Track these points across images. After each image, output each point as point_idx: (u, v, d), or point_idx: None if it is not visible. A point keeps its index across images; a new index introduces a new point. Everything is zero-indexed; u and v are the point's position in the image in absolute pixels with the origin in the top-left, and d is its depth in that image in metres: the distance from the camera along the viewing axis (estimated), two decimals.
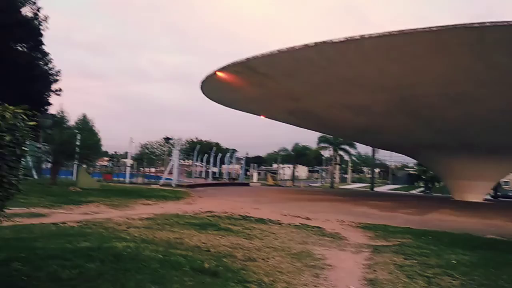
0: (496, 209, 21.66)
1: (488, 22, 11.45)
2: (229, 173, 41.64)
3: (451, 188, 30.94)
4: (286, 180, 61.16)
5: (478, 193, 28.53)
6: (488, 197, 38.17)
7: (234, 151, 51.27)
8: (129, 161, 31.22)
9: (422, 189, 59.99)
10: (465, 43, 12.59)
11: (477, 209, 20.45)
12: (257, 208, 14.78)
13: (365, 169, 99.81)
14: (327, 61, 15.13)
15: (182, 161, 41.29)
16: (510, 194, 53.28)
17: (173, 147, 28.73)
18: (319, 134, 50.10)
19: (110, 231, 7.78)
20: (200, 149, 38.15)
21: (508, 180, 69.14)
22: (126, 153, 33.02)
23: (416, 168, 64.91)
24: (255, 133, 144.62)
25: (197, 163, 42.01)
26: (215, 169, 42.95)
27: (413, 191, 57.28)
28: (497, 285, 5.56)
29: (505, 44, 12.21)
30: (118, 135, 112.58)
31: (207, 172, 41.99)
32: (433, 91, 16.71)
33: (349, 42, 13.39)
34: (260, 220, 11.25)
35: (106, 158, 55.41)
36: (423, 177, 59.37)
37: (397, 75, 15.72)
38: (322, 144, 54.61)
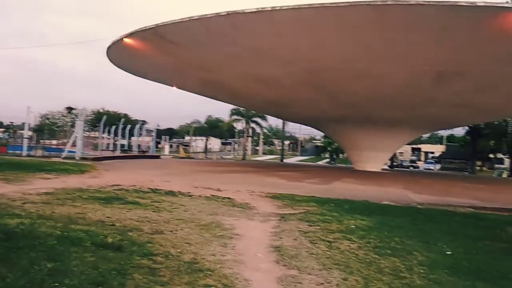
0: (391, 178, 23.60)
1: (390, 1, 12.08)
2: (138, 146, 40.27)
3: (353, 158, 33.04)
4: (198, 152, 60.89)
5: (377, 163, 30.81)
6: (386, 167, 41.53)
7: (144, 122, 49.64)
8: (26, 132, 28.68)
9: (327, 160, 63.57)
10: (367, 19, 13.19)
11: (375, 178, 22.10)
12: (168, 180, 14.49)
13: (276, 141, 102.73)
14: (239, 32, 15.01)
15: (87, 133, 39.08)
16: (404, 164, 58.63)
17: (77, 117, 26.92)
18: (232, 106, 50.27)
19: (3, 208, 7.10)
20: (107, 120, 36.22)
21: (403, 151, 75.73)
22: (24, 123, 30.34)
23: (323, 140, 68.37)
24: (166, 104, 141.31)
25: (104, 135, 40.01)
26: (124, 142, 41.28)
27: (320, 162, 60.39)
28: (390, 247, 6.04)
29: (403, 21, 13.03)
30: (16, 106, 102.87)
31: (115, 145, 40.20)
32: (338, 66, 17.43)
33: (260, 13, 13.36)
34: (170, 193, 11.04)
35: (1, 129, 50.59)
36: (329, 148, 62.86)
37: (305, 49, 16.10)
38: (235, 117, 54.90)
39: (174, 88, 28.56)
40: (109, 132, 39.84)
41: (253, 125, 57.88)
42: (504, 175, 46.37)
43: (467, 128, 45.67)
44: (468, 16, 12.39)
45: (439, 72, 16.92)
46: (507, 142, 44.05)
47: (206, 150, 59.79)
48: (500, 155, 54.83)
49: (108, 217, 7.00)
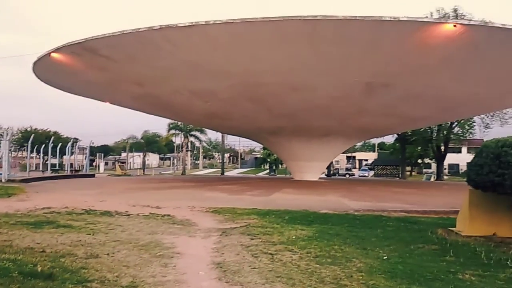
0: (329, 186, 24.27)
1: (320, 16, 12.54)
2: (71, 165, 38.35)
3: (291, 169, 33.65)
4: (136, 169, 59.18)
5: (315, 172, 31.59)
6: (323, 175, 42.71)
7: (76, 140, 47.47)
8: None
9: (267, 171, 64.28)
10: (301, 34, 13.59)
11: (314, 187, 22.63)
12: (103, 200, 13.90)
13: (216, 154, 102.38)
14: (173, 46, 14.84)
15: (14, 153, 36.62)
16: (340, 172, 60.74)
17: (1, 137, 25.17)
18: (169, 120, 49.51)
19: None
20: (35, 139, 34.21)
21: (338, 160, 78.37)
22: None
23: (262, 152, 69.14)
24: (100, 120, 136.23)
25: (32, 155, 37.72)
26: (55, 161, 39.16)
27: (260, 174, 60.92)
28: (330, 255, 6.17)
29: (332, 36, 13.56)
30: None
31: (45, 165, 38.05)
32: (274, 80, 17.75)
33: (194, 28, 13.32)
34: (106, 213, 10.58)
35: None
36: (268, 160, 63.64)
37: (241, 63, 16.25)
38: (173, 131, 54.15)
39: (108, 103, 27.62)
40: (38, 152, 37.64)
41: (192, 139, 57.41)
42: (432, 179, 49.34)
43: (396, 135, 48.20)
44: (392, 30, 13.15)
45: (368, 83, 17.76)
46: (432, 148, 46.99)
47: (144, 166, 58.23)
48: (427, 160, 58.31)
49: (37, 243, 6.57)
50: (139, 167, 60.27)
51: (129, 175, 42.89)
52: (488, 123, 43.05)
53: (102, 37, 14.53)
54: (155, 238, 7.38)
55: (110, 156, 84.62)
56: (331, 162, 47.53)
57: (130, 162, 66.48)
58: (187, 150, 58.88)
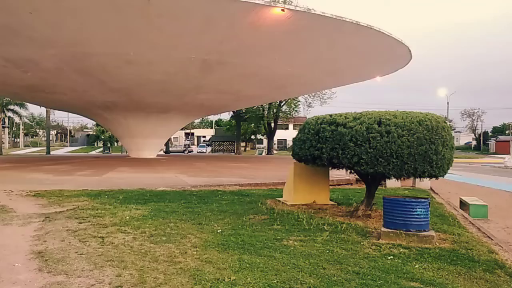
0: (167, 164, 24.06)
1: None
2: None
3: (128, 146, 32.39)
4: None
5: (152, 150, 31.01)
6: (162, 152, 42.25)
7: None
8: None
9: (101, 149, 60.72)
10: (133, 4, 12.87)
11: (151, 165, 22.17)
12: None
13: (40, 131, 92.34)
14: None
15: None
16: (179, 148, 61.01)
17: None
18: None
19: None
20: None
21: (177, 136, 78.45)
22: None
23: (95, 128, 64.89)
24: None
25: None
26: None
27: (93, 152, 57.22)
28: (165, 233, 6.07)
29: (169, 9, 13.21)
30: None
31: None
32: (105, 50, 16.52)
33: None
34: None
35: None
36: (102, 137, 60.11)
37: (66, 30, 14.61)
38: None
39: None
40: None
41: (9, 114, 50.54)
42: (264, 153, 53.18)
43: (232, 113, 50.34)
44: (226, 9, 13.43)
45: (204, 60, 17.93)
46: (264, 124, 50.51)
47: None
48: (259, 136, 62.52)
49: None
50: None
51: None
52: (310, 103, 48.27)
53: None
54: None
55: None
56: (169, 139, 47.28)
57: None
58: (3, 127, 51.57)
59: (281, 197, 9.63)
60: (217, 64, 18.57)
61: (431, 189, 13.34)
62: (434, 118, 6.77)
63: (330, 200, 9.31)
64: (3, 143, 51.28)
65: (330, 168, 8.02)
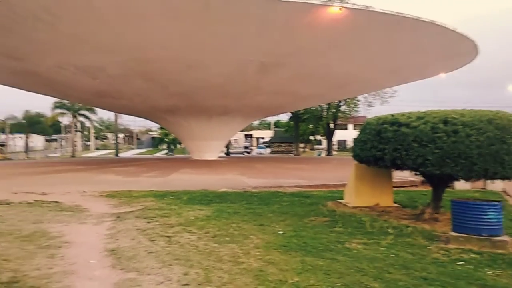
0: (228, 165, 24.53)
1: None
2: None
3: (190, 148, 33.32)
4: (18, 152, 54.02)
5: (214, 151, 31.66)
6: (222, 154, 43.11)
7: None
8: None
9: (165, 151, 63.01)
10: (191, 10, 13.27)
11: (213, 166, 22.70)
12: None
13: (109, 135, 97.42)
14: (54, 17, 13.50)
15: None
16: (238, 150, 61.94)
17: None
18: (54, 99, 45.70)
19: None
20: None
21: (237, 138, 79.70)
22: None
23: (159, 131, 67.41)
24: None
25: None
26: None
27: (158, 154, 59.55)
28: (228, 234, 6.22)
29: (226, 14, 13.49)
30: None
31: None
32: (166, 56, 17.16)
33: None
34: None
35: None
36: (166, 139, 62.28)
37: (129, 37, 15.37)
38: (59, 110, 50.15)
39: None
40: None
41: (81, 118, 53.86)
42: (323, 154, 52.62)
43: (290, 114, 50.28)
44: (283, 10, 13.48)
45: (262, 62, 18.09)
46: (323, 125, 49.95)
47: (27, 149, 53.34)
48: (318, 137, 61.91)
49: None
50: (21, 150, 54.99)
51: (10, 159, 39.00)
52: (370, 102, 47.02)
53: None
54: (40, 227, 6.78)
55: None
56: (230, 141, 48.14)
57: (11, 145, 60.34)
58: (76, 131, 55.07)
59: (342, 199, 9.50)
60: (274, 65, 18.66)
61: (504, 191, 12.55)
62: (506, 116, 6.41)
63: (394, 202, 9.06)
64: (76, 146, 54.69)
65: (393, 169, 7.82)
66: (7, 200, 9.97)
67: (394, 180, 9.71)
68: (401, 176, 11.97)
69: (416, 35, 15.88)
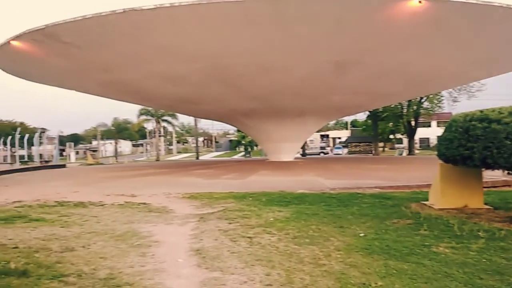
0: (305, 166, 24.47)
1: None
2: (40, 155, 37.34)
3: (267, 150, 33.76)
4: (108, 157, 58.19)
5: (290, 153, 31.78)
6: (299, 155, 43.10)
7: (44, 130, 46.09)
8: None
9: (243, 153, 64.36)
10: (266, 13, 13.45)
11: (290, 168, 22.78)
12: (76, 191, 13.60)
13: (189, 139, 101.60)
14: (138, 30, 14.45)
15: None
16: (315, 151, 61.45)
17: None
18: (139, 106, 48.70)
19: None
20: (1, 131, 33.15)
21: (313, 139, 79.15)
22: None
23: (237, 134, 69.06)
24: (67, 108, 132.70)
25: None
26: (23, 152, 38.04)
27: (235, 156, 60.96)
28: (308, 235, 6.22)
29: (300, 15, 13.49)
30: None
31: (13, 157, 36.93)
32: (243, 61, 17.57)
33: (159, 10, 13.00)
34: (79, 204, 10.35)
35: None
36: (243, 142, 63.63)
37: (209, 45, 15.97)
38: (144, 117, 53.39)
39: (74, 91, 26.88)
40: (5, 144, 36.53)
41: (164, 124, 56.77)
42: (404, 153, 50.46)
43: (367, 113, 48.87)
44: (359, 7, 13.19)
45: (337, 61, 17.82)
46: (403, 123, 47.92)
47: (116, 154, 57.34)
48: (399, 136, 59.48)
49: (10, 239, 6.37)
50: (111, 155, 59.21)
51: (102, 164, 42.16)
52: (456, 97, 44.15)
53: (63, 22, 14.01)
54: (131, 227, 7.27)
55: (81, 145, 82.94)
56: (305, 142, 47.94)
57: (101, 150, 65.22)
58: (160, 136, 58.16)
59: (427, 200, 9.06)
60: (351, 64, 18.30)
61: None
62: None
63: (485, 203, 8.46)
64: (160, 150, 57.77)
65: (482, 168, 7.32)
66: (101, 201, 10.82)
67: (484, 180, 9.06)
68: (492, 175, 11.13)
69: (507, 23, 14.71)
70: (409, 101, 43.18)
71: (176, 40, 15.44)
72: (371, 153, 52.70)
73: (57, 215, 8.69)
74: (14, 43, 15.76)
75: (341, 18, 13.71)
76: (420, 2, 12.55)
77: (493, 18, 14.18)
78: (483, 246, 5.43)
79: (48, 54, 17.27)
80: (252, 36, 15.20)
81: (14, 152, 36.86)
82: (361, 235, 6.20)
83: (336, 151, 64.29)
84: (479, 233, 6.09)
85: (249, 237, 6.18)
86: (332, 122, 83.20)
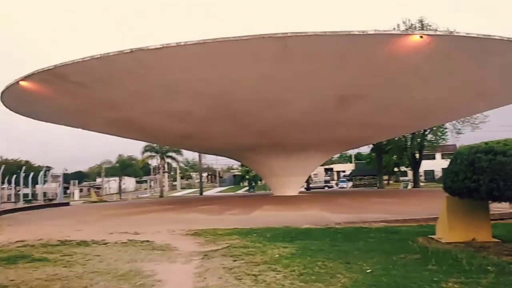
0: (309, 200, 24.28)
1: (290, 33, 12.71)
2: (44, 194, 37.30)
3: (271, 185, 33.60)
4: (112, 194, 58.08)
5: (294, 187, 31.60)
6: (303, 189, 42.81)
7: (48, 168, 46.28)
8: None
9: (247, 188, 64.06)
10: (272, 51, 13.72)
11: (294, 202, 22.59)
12: (79, 229, 13.49)
13: (193, 174, 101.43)
14: (145, 68, 14.76)
15: None
16: (319, 185, 61.12)
17: None
18: (144, 143, 48.98)
19: None
20: (6, 170, 33.25)
21: (316, 173, 78.87)
22: None
23: (240, 169, 68.96)
24: (72, 146, 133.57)
25: (3, 186, 36.58)
26: (28, 191, 38.05)
27: (240, 191, 60.67)
28: (314, 272, 6.10)
29: (303, 52, 13.75)
30: None
31: (17, 195, 36.93)
32: (248, 97, 17.82)
33: (165, 49, 13.30)
34: (82, 243, 10.24)
35: None
36: (247, 177, 63.44)
37: (214, 82, 16.27)
38: (148, 153, 53.60)
39: (80, 129, 27.17)
40: (9, 182, 36.60)
41: (168, 160, 56.86)
42: (409, 186, 50.07)
43: (371, 145, 48.85)
44: (361, 43, 13.44)
45: (341, 96, 18.01)
46: (407, 155, 47.77)
47: (120, 191, 57.18)
48: (403, 168, 59.16)
49: (12, 280, 6.29)
50: (115, 192, 59.10)
51: (105, 201, 42.02)
52: (459, 129, 44.08)
53: (71, 62, 14.34)
54: (134, 266, 7.16)
55: (85, 182, 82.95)
56: (310, 175, 47.75)
57: (105, 188, 65.16)
58: (164, 172, 58.15)
59: (434, 234, 8.92)
60: (355, 98, 18.48)
61: None
62: None
63: (493, 236, 8.31)
64: (164, 187, 57.62)
65: (489, 201, 7.24)
66: (104, 240, 10.71)
67: (491, 213, 8.95)
68: (499, 207, 10.99)
69: (509, 55, 14.90)
70: (413, 133, 43.22)
71: (182, 78, 15.73)
72: (376, 186, 52.33)
73: (60, 255, 8.59)
74: (23, 83, 16.07)
75: (345, 54, 13.98)
76: (421, 37, 12.79)
77: (493, 51, 14.39)
78: (493, 281, 5.30)
79: (56, 94, 17.59)
80: (258, 73, 15.46)
81: (18, 191, 36.88)
82: (368, 271, 6.08)
83: (341, 184, 63.97)
84: (488, 268, 5.96)
85: (254, 275, 6.07)
86: (336, 156, 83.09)
